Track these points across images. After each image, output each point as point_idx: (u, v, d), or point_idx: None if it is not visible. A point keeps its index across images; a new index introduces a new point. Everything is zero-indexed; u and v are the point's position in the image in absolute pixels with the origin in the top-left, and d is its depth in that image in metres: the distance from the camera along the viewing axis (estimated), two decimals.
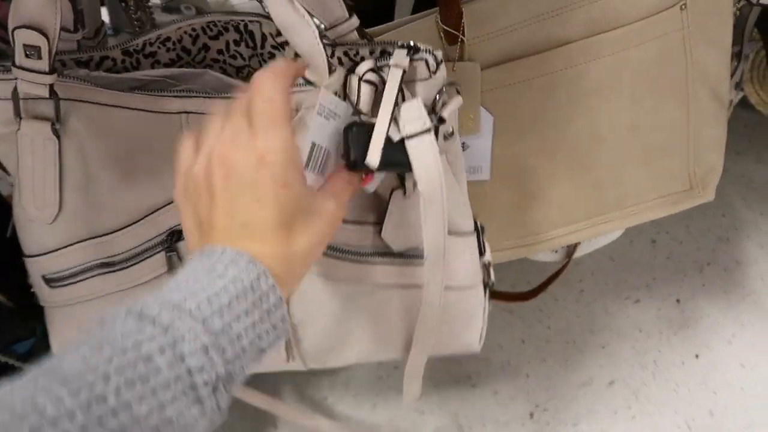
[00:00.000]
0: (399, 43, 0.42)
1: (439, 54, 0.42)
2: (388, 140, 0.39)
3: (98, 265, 0.48)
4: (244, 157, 0.33)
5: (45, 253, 0.47)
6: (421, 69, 0.41)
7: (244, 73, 0.52)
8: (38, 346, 0.64)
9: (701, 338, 0.99)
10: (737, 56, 0.92)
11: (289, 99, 0.34)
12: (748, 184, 1.17)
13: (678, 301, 1.03)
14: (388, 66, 0.40)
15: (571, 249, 0.86)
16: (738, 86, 0.99)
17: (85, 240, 0.46)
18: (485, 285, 0.51)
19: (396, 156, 0.39)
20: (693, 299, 1.03)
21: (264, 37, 0.48)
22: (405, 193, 0.44)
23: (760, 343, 0.99)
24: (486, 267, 0.50)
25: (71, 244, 0.46)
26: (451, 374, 0.96)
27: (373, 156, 0.38)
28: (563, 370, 0.97)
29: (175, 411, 0.27)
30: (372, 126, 0.39)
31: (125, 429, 0.25)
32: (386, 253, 0.46)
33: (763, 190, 1.16)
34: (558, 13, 0.55)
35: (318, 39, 0.39)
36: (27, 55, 0.39)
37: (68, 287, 0.48)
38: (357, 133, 0.38)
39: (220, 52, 0.49)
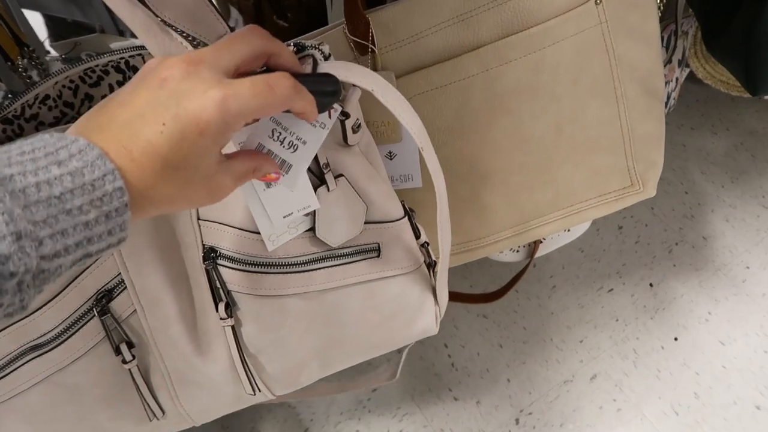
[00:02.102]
0: (299, 43, 0.41)
1: (326, 48, 0.41)
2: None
3: (28, 350, 0.45)
4: (195, 83, 0.30)
5: None
6: (309, 66, 0.40)
7: None
8: None
9: (678, 320, 0.98)
10: (675, 34, 0.92)
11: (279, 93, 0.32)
12: (706, 157, 1.17)
13: (651, 285, 1.02)
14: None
15: (532, 248, 0.85)
16: (682, 63, 0.99)
17: (6, 327, 0.43)
18: (427, 265, 0.50)
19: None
20: (665, 281, 1.02)
21: None
22: (328, 188, 0.43)
23: (736, 318, 0.98)
24: (424, 247, 0.49)
25: None
26: (432, 390, 0.94)
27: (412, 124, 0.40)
28: (544, 370, 0.95)
29: None
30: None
31: None
32: (328, 257, 0.46)
33: (721, 163, 1.16)
34: (467, 17, 0.53)
35: None
36: None
37: (0, 381, 0.45)
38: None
39: (104, 98, 0.48)
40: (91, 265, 0.43)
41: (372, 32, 0.54)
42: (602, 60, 0.57)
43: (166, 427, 0.50)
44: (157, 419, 0.48)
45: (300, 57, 0.40)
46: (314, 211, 0.44)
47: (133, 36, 0.79)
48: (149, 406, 0.47)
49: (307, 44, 0.40)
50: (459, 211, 0.62)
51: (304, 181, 0.42)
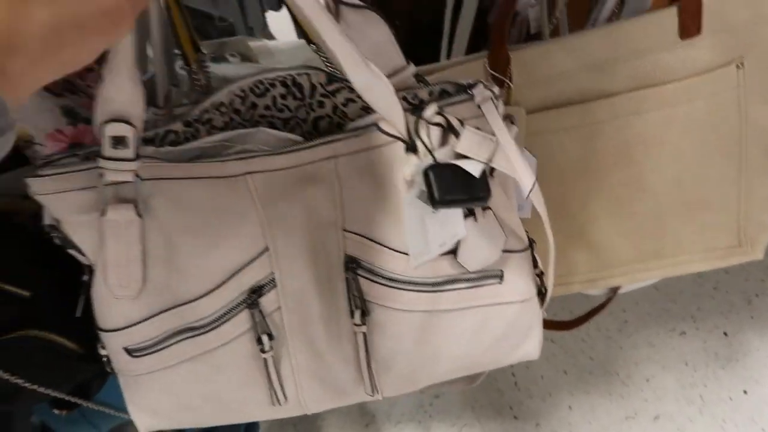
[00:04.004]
0: (458, 82, 0.45)
1: (497, 89, 0.45)
2: (464, 174, 0.42)
3: (182, 330, 0.48)
4: None
5: (129, 326, 0.48)
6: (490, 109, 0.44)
7: (291, 125, 0.54)
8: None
9: (750, 373, 0.97)
10: None
11: None
12: None
13: (725, 333, 1.01)
14: (450, 104, 0.44)
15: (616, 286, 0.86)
16: None
17: (170, 309, 0.48)
18: (540, 294, 0.53)
19: (468, 189, 0.43)
20: (741, 332, 1.01)
21: (313, 87, 0.50)
22: (476, 219, 0.46)
23: None
24: (539, 276, 0.52)
25: (156, 314, 0.47)
26: (493, 405, 0.96)
27: (527, 178, 0.43)
28: (607, 402, 0.96)
29: None
30: (450, 165, 0.42)
31: None
32: (458, 279, 0.49)
33: None
34: (606, 66, 0.55)
35: (395, 97, 0.42)
36: (114, 147, 0.41)
37: (152, 355, 0.49)
38: (437, 172, 0.42)
39: (267, 107, 0.51)
40: (249, 264, 0.47)
41: (511, 69, 0.56)
42: (733, 122, 0.58)
43: (283, 412, 0.54)
44: (279, 405, 0.52)
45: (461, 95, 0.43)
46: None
47: (266, 36, 0.83)
48: (275, 392, 0.51)
49: (485, 83, 0.42)
50: (564, 246, 0.64)
51: (458, 213, 0.44)
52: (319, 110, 0.52)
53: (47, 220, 0.46)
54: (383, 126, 0.44)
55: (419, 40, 0.76)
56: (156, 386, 0.51)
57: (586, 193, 0.62)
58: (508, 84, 0.57)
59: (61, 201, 0.43)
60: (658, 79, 0.55)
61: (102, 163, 0.42)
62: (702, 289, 1.07)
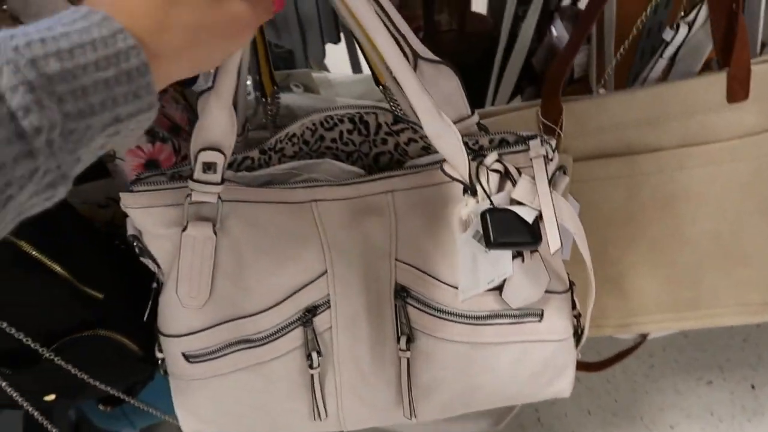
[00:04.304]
0: (518, 134, 0.49)
1: (554, 142, 0.48)
2: (518, 219, 0.45)
3: (239, 341, 0.52)
4: None
5: (190, 334, 0.51)
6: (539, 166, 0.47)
7: (354, 158, 0.58)
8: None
9: None
10: None
11: None
12: None
13: (753, 386, 1.01)
14: (508, 153, 0.47)
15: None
16: None
17: (231, 321, 0.51)
18: (576, 335, 0.55)
19: (521, 233, 0.46)
20: None
21: (379, 126, 0.54)
22: (523, 260, 0.49)
23: None
24: (576, 318, 0.54)
25: (217, 325, 0.51)
26: None
27: (554, 240, 0.45)
28: None
29: None
30: (505, 210, 0.46)
31: None
32: (500, 315, 0.52)
33: None
34: (655, 122, 0.58)
35: (461, 142, 0.45)
36: (204, 171, 0.45)
37: (208, 362, 0.52)
38: (494, 216, 0.45)
39: (333, 140, 0.55)
40: (308, 284, 0.51)
41: (563, 119, 0.59)
42: None
43: (322, 427, 0.57)
44: (319, 420, 0.55)
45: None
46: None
47: (322, 67, 0.88)
48: (317, 407, 0.54)
49: (544, 138, 0.46)
50: (600, 291, 0.66)
51: (508, 254, 0.48)
52: (381, 146, 0.56)
53: (130, 231, 0.50)
54: (447, 168, 0.47)
55: (465, 82, 0.80)
56: (207, 392, 0.54)
57: (627, 241, 0.64)
58: (558, 132, 0.60)
59: (148, 215, 0.47)
60: (704, 138, 0.58)
61: (192, 185, 0.46)
62: (732, 341, 1.07)
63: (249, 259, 0.50)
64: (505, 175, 0.47)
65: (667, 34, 0.59)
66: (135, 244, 0.50)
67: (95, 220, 0.65)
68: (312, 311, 0.51)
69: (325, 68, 0.97)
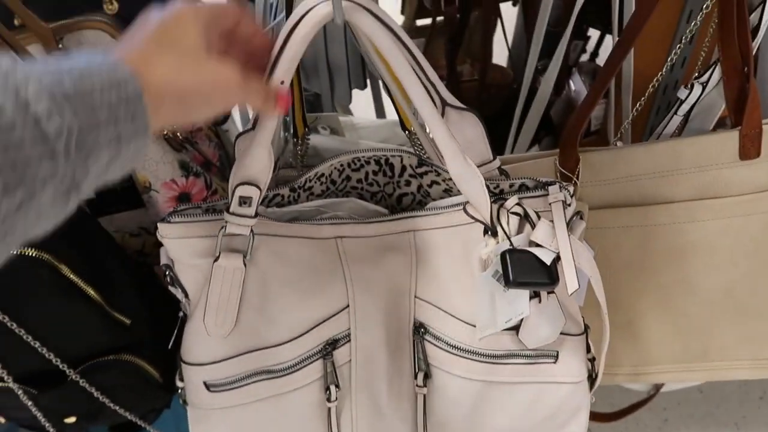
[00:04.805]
0: (537, 180, 0.51)
1: (572, 188, 0.50)
2: (539, 260, 0.47)
3: (260, 372, 0.53)
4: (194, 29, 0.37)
5: (213, 363, 0.52)
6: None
7: (378, 198, 0.60)
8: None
9: None
10: None
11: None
12: None
13: None
14: (528, 197, 0.49)
15: (660, 383, 0.87)
16: None
17: (254, 351, 0.52)
18: (590, 378, 0.56)
19: (539, 274, 0.47)
20: None
21: (403, 168, 0.57)
22: (540, 301, 0.50)
23: None
24: (591, 361, 0.55)
25: (240, 354, 0.52)
26: None
27: (572, 281, 0.47)
28: None
29: (21, 156, 0.26)
30: (524, 251, 0.47)
31: None
32: (516, 354, 0.53)
33: None
34: (669, 175, 0.60)
35: (484, 187, 0.47)
36: (240, 205, 0.47)
37: (229, 392, 0.52)
38: (515, 257, 0.47)
39: (359, 180, 0.58)
40: (330, 318, 0.52)
41: (579, 168, 0.62)
42: None
43: None
44: None
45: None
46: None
47: (345, 112, 0.92)
48: None
49: (562, 184, 0.48)
50: (613, 337, 0.67)
51: (525, 294, 0.49)
52: (405, 188, 0.58)
53: (164, 260, 0.52)
54: (469, 210, 0.49)
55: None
56: (226, 422, 0.55)
57: (638, 290, 0.66)
58: (575, 181, 0.62)
59: (183, 245, 0.50)
60: (716, 192, 0.59)
61: (228, 217, 0.48)
62: (747, 397, 1.06)
63: (275, 291, 0.52)
64: (525, 218, 0.49)
65: (682, 93, 0.61)
66: (167, 273, 0.52)
67: (126, 248, 0.68)
68: (333, 344, 0.53)
69: (349, 112, 1.00)
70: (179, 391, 0.57)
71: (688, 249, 0.62)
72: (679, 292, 0.64)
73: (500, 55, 1.10)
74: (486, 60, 1.05)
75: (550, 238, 0.48)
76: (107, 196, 0.64)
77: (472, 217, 0.49)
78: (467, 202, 0.49)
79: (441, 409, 0.55)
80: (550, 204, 0.49)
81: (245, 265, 0.50)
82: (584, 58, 1.14)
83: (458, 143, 0.46)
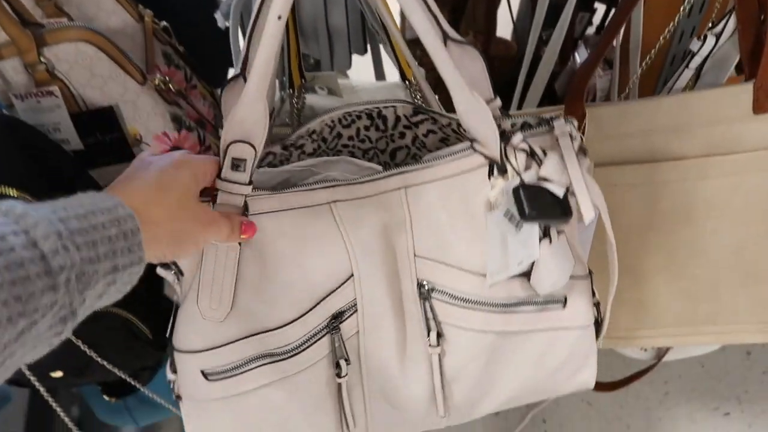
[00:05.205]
0: (541, 116, 0.49)
1: (576, 122, 0.49)
2: (551, 195, 0.46)
3: (263, 356, 0.49)
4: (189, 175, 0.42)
5: (209, 349, 0.48)
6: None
7: (370, 155, 0.58)
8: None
9: None
10: None
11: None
12: None
13: None
14: (532, 135, 0.48)
15: (662, 351, 0.85)
16: None
17: (254, 335, 0.48)
18: (596, 323, 0.54)
19: (553, 207, 0.46)
20: None
21: (397, 119, 0.54)
22: (551, 241, 0.48)
23: None
24: (596, 306, 0.54)
25: (239, 339, 0.48)
26: None
27: (588, 210, 0.46)
28: None
29: (26, 289, 0.28)
30: (535, 186, 0.46)
31: None
32: (526, 302, 0.51)
33: None
34: (679, 130, 0.58)
35: (492, 120, 0.45)
36: (233, 169, 0.44)
37: (228, 379, 0.49)
38: (527, 191, 0.46)
39: (350, 138, 0.55)
40: (336, 290, 0.50)
41: (585, 123, 0.60)
42: None
43: None
44: (348, 431, 0.53)
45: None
46: None
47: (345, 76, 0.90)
48: (345, 418, 0.53)
49: (567, 118, 0.46)
50: (616, 300, 0.65)
51: (536, 235, 0.47)
52: (399, 141, 0.56)
53: None
54: (477, 148, 0.47)
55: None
56: (225, 413, 0.51)
57: (645, 250, 0.64)
58: (581, 136, 0.60)
59: None
60: (728, 148, 0.57)
61: (219, 184, 0.45)
62: (750, 372, 1.04)
63: (273, 269, 0.49)
64: (531, 156, 0.47)
65: (695, 45, 0.59)
66: None
67: None
68: (338, 317, 0.50)
69: (348, 78, 0.98)
70: (171, 385, 0.52)
71: (698, 208, 0.60)
72: (688, 252, 0.62)
73: (505, 29, 1.07)
74: (489, 32, 1.02)
75: (560, 173, 0.46)
76: (97, 148, 0.62)
77: (482, 155, 0.47)
78: (474, 140, 0.47)
79: (456, 366, 0.52)
80: (556, 138, 0.47)
81: (240, 244, 0.47)
82: (590, 31, 1.11)
83: (461, 75, 0.44)
